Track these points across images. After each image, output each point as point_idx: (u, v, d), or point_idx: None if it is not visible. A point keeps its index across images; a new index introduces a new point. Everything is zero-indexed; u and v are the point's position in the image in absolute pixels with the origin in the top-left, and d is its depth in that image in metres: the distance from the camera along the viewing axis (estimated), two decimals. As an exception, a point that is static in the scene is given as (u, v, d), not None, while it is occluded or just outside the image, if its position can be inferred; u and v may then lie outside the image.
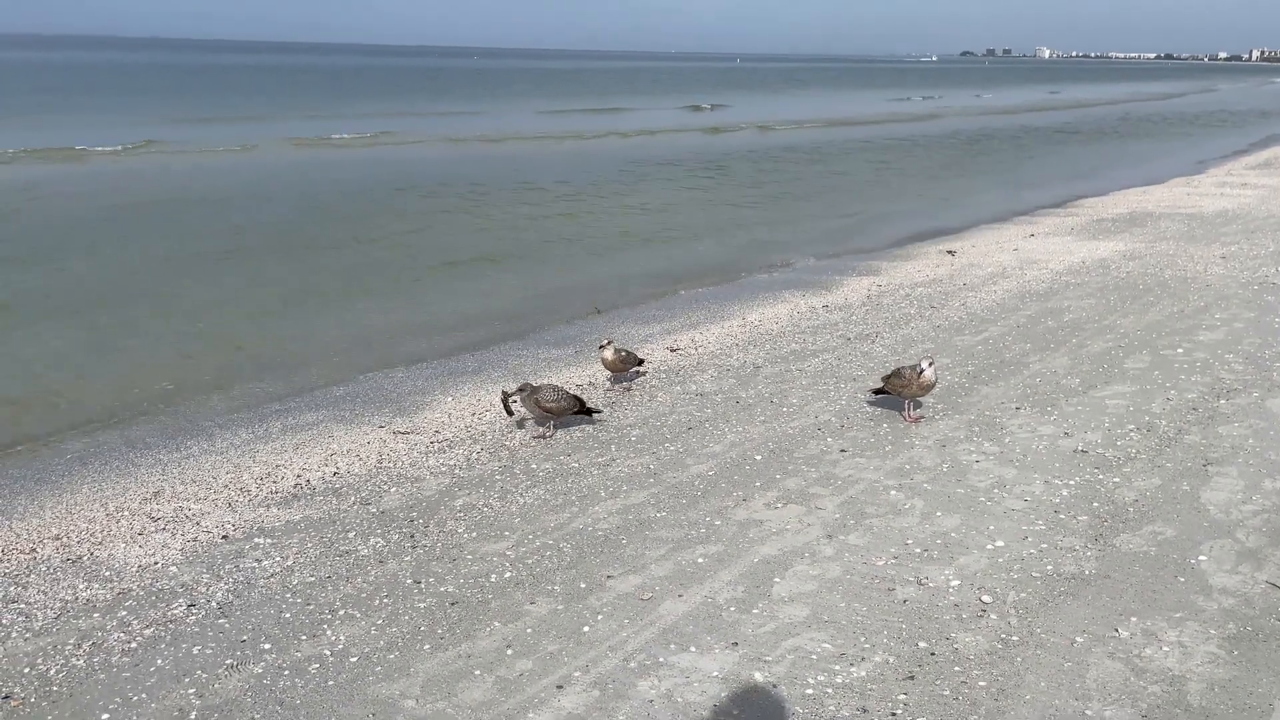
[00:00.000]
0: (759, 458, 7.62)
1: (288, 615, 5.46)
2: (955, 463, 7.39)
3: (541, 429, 8.31)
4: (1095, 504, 6.62)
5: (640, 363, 9.58)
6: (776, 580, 5.67)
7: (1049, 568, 5.75)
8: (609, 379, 9.80)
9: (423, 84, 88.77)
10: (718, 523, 6.48)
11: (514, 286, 14.82)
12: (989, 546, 6.02)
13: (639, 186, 26.27)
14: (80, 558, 6.28)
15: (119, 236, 17.65)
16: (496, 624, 5.31)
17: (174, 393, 9.98)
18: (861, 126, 50.38)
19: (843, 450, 7.71)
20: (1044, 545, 6.03)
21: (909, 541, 6.11)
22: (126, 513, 6.98)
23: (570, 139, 41.12)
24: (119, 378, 10.39)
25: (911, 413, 8.34)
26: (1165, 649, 4.95)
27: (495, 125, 46.45)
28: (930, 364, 8.05)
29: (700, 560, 5.95)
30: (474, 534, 6.44)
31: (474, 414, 8.98)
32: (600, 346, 9.38)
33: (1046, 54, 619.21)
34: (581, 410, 8.28)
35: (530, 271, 15.95)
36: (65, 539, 6.57)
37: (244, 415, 9.28)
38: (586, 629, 5.22)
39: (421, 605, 5.53)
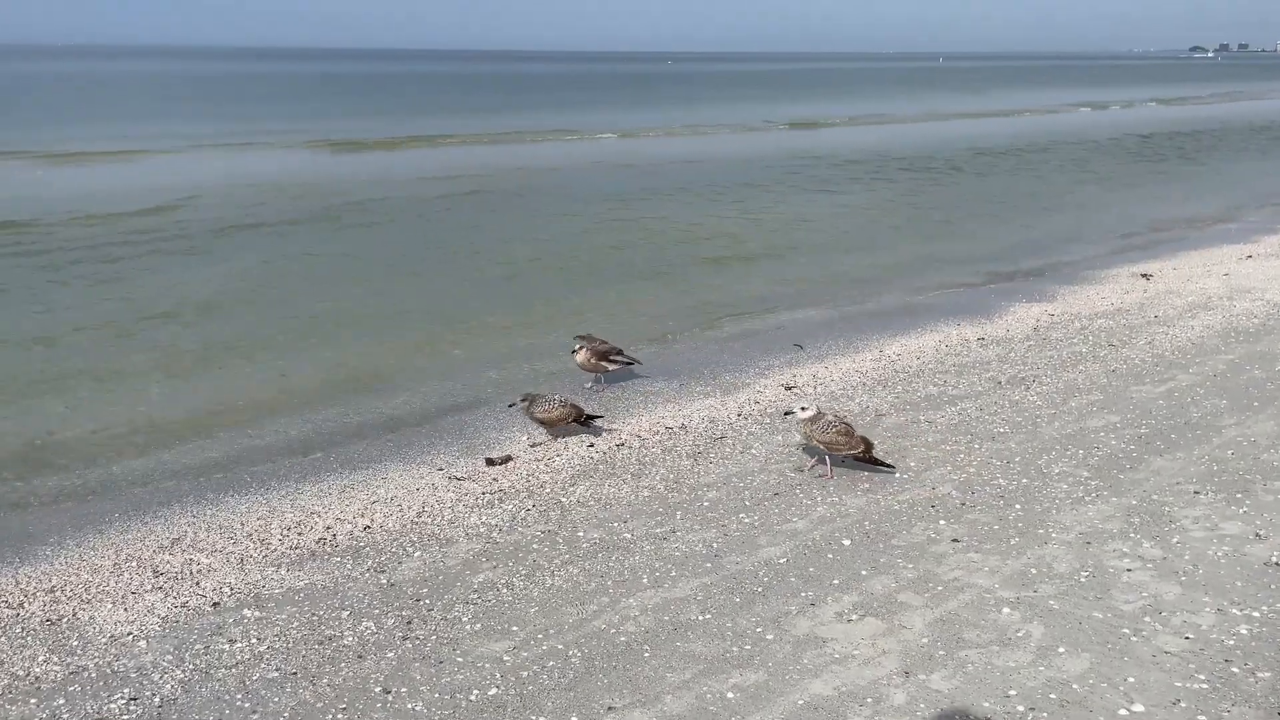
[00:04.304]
0: (847, 543, 6.24)
1: (224, 727, 4.61)
2: (1099, 569, 5.77)
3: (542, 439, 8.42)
4: (1287, 652, 4.90)
5: (620, 353, 9.72)
6: (818, 738, 4.36)
7: (1205, 758, 4.16)
8: (593, 379, 9.86)
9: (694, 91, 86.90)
10: (769, 636, 5.19)
11: (638, 304, 13.74)
12: (1123, 712, 4.46)
13: (793, 195, 24.74)
14: (61, 619, 5.70)
15: (262, 243, 17.81)
16: (450, 769, 4.26)
17: (255, 415, 9.51)
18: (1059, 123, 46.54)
19: (955, 540, 6.22)
20: (1202, 718, 4.41)
21: (1012, 692, 4.62)
22: (134, 564, 6.40)
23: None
24: (214, 393, 10.04)
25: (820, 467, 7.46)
26: None
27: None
28: (803, 409, 7.32)
29: (730, 695, 4.69)
30: (478, 625, 5.43)
31: (544, 460, 8.00)
32: (573, 351, 9.59)
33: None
34: (579, 419, 8.32)
35: (658, 285, 14.83)
36: (59, 593, 6.03)
37: (311, 445, 8.68)
38: (553, 792, 4.10)
39: (375, 729, 4.56)
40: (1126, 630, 5.12)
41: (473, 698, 4.76)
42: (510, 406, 8.51)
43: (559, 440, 8.42)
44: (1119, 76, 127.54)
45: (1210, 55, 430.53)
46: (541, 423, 8.32)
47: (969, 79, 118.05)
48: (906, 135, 42.87)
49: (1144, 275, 14.49)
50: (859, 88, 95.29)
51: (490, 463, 8.00)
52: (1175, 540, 6.09)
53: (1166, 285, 13.80)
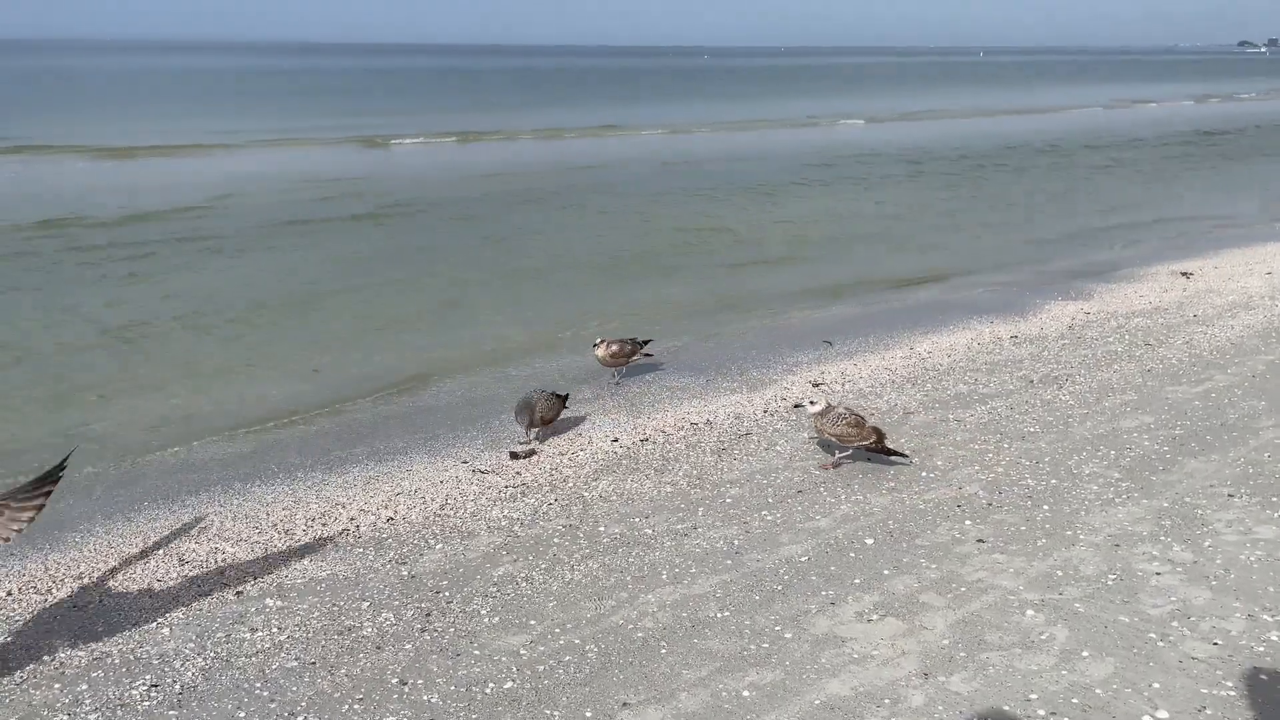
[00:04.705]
0: (870, 541, 6.18)
1: (241, 714, 4.66)
2: (1127, 572, 5.66)
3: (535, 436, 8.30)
4: (1320, 661, 4.77)
5: (644, 344, 9.83)
6: (833, 739, 4.31)
7: (1229, 767, 4.07)
8: (614, 373, 9.87)
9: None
10: (787, 635, 5.14)
11: (667, 299, 13.70)
12: (1146, 719, 4.37)
13: (826, 191, 24.55)
14: (88, 605, 5.78)
15: (297, 241, 17.98)
16: (462, 762, 4.26)
17: (284, 407, 9.59)
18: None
19: (980, 541, 6.13)
20: (1228, 726, 4.31)
21: (1032, 696, 4.55)
22: (161, 551, 6.48)
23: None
24: (246, 385, 10.13)
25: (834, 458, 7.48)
26: None
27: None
28: (811, 402, 7.42)
29: (745, 693, 4.66)
30: (496, 619, 5.43)
31: (567, 454, 8.00)
32: (594, 345, 9.65)
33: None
34: (564, 406, 8.48)
35: (690, 281, 14.77)
36: (88, 578, 6.11)
37: (338, 438, 8.70)
38: (565, 787, 4.08)
39: (390, 720, 4.58)
40: (1153, 635, 5.01)
41: (488, 691, 4.77)
42: (536, 435, 8.20)
43: (583, 435, 8.42)
44: (1165, 72, 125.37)
45: (1261, 50, 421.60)
46: (548, 422, 8.25)
47: (1009, 74, 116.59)
48: (944, 131, 42.43)
49: (1184, 273, 14.22)
50: (895, 83, 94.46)
51: (514, 456, 8.01)
52: (1207, 544, 5.96)
53: (1207, 284, 13.53)
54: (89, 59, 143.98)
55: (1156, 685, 4.59)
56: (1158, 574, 5.63)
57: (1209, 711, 4.39)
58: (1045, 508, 6.58)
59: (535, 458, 7.98)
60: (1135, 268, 15.03)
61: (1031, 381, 9.42)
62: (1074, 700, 4.50)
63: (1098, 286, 13.76)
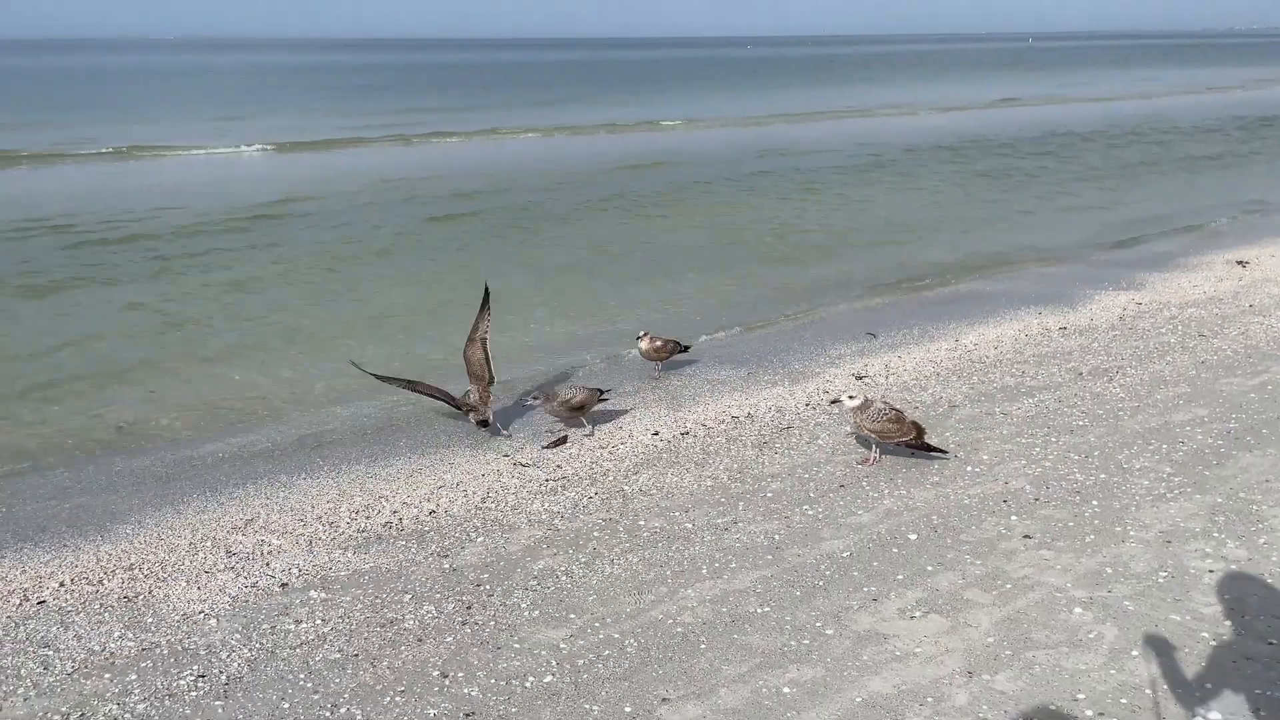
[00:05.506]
0: (913, 537, 6.10)
1: (285, 705, 4.71)
2: (1179, 570, 5.53)
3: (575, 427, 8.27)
4: (1381, 662, 4.63)
5: (685, 348, 9.79)
6: (875, 738, 4.26)
7: (1286, 771, 3.96)
8: (655, 367, 9.83)
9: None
10: (829, 631, 5.09)
11: (708, 292, 13.66)
12: (1198, 720, 4.27)
13: (870, 182, 24.27)
14: (138, 596, 5.89)
15: (338, 236, 18.16)
16: (502, 756, 4.28)
17: (329, 400, 9.72)
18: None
19: (1026, 537, 6.02)
20: (1285, 728, 4.19)
21: (1080, 696, 4.46)
22: (209, 543, 6.57)
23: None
24: (291, 379, 10.28)
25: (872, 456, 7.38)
26: None
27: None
28: (850, 397, 7.20)
29: (786, 690, 4.62)
30: (536, 612, 5.45)
31: (608, 448, 8.00)
32: (638, 338, 9.57)
33: None
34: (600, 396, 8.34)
35: (731, 273, 14.70)
36: (137, 570, 6.23)
37: (381, 430, 8.79)
38: (603, 782, 4.08)
39: (431, 713, 4.60)
40: (1205, 634, 4.89)
41: (528, 684, 4.78)
42: (588, 431, 8.28)
43: (623, 428, 8.41)
44: (1221, 57, 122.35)
45: None
46: (578, 409, 8.22)
47: (1058, 60, 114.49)
48: (991, 120, 41.78)
49: (1240, 262, 13.85)
50: (944, 72, 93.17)
51: (553, 444, 8.02)
52: (1262, 541, 5.81)
53: (1264, 272, 13.18)
54: (98, 58, 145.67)
55: (1208, 686, 4.48)
56: (1211, 571, 5.49)
57: (1264, 713, 4.28)
58: (1094, 503, 6.45)
59: (574, 450, 7.98)
60: (1189, 257, 14.68)
61: (1081, 374, 9.24)
62: (1123, 700, 4.41)
63: (1150, 276, 13.45)
